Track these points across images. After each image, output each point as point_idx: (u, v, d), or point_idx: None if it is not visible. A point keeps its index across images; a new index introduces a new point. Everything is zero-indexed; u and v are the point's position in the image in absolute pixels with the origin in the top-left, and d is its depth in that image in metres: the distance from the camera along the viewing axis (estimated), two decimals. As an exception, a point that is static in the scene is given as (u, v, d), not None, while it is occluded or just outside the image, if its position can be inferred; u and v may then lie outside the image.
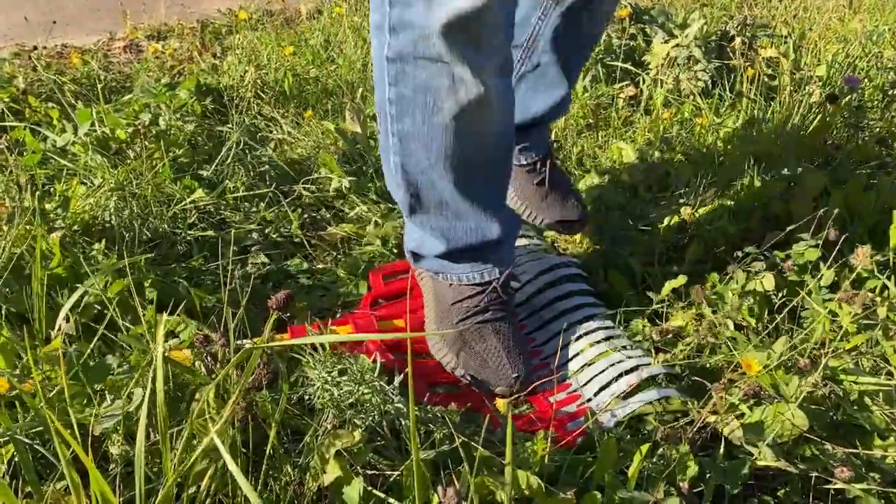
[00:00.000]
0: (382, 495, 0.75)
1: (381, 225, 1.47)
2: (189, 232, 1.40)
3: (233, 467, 0.56)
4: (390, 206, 1.55)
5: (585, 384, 1.08)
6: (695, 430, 0.93)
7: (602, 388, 1.05)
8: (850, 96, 1.45)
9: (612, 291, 1.30)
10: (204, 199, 1.45)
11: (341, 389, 0.77)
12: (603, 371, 1.08)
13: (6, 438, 0.73)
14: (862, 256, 0.92)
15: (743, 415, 0.95)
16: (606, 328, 1.17)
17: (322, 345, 0.88)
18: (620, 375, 1.05)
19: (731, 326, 1.12)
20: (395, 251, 1.43)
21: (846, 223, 1.30)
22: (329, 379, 0.78)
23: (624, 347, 1.11)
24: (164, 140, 1.61)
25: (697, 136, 1.67)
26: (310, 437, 0.80)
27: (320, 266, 1.40)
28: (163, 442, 0.64)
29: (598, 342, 1.13)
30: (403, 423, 0.83)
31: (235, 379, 0.77)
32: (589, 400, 1.05)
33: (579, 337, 1.16)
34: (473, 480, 0.70)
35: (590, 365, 1.10)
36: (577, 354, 1.13)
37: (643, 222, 1.46)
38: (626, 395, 1.02)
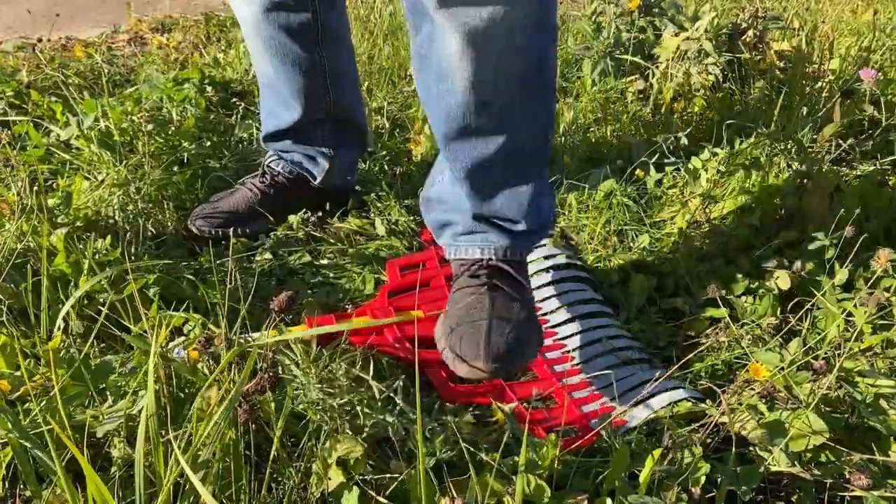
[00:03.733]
0: (386, 502, 0.74)
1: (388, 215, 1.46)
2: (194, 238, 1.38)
3: (201, 490, 0.54)
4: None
5: (608, 385, 1.07)
6: (707, 432, 0.91)
7: (626, 392, 1.05)
8: (865, 91, 1.42)
9: (625, 290, 1.28)
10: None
11: (334, 399, 0.76)
12: (627, 377, 1.08)
13: (4, 441, 0.72)
14: (883, 259, 0.89)
15: (761, 416, 0.93)
16: (627, 337, 1.18)
17: (307, 351, 0.85)
18: (645, 383, 1.04)
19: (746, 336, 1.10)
20: (403, 245, 1.42)
21: (861, 221, 1.28)
22: (316, 388, 0.76)
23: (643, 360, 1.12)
24: (167, 135, 1.59)
25: (708, 132, 1.65)
26: (310, 441, 0.79)
27: (325, 262, 1.38)
28: (154, 448, 0.63)
29: (621, 349, 1.13)
30: (409, 429, 0.82)
31: (236, 381, 0.75)
32: (612, 399, 1.04)
33: (598, 339, 1.16)
34: (480, 488, 0.68)
35: (613, 368, 1.10)
36: (598, 356, 1.13)
37: (654, 219, 1.44)
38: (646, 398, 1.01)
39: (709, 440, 0.92)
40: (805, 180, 1.32)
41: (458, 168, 0.99)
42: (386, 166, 1.68)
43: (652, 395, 1.01)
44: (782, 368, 0.95)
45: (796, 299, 1.17)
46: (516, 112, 0.94)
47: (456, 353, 0.96)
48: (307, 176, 1.46)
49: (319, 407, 0.78)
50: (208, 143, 1.70)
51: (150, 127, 1.56)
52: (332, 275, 1.34)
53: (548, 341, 1.18)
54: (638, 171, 1.56)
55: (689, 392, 1.01)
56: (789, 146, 1.39)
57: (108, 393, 0.83)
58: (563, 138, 1.73)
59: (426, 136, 1.77)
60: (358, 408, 0.76)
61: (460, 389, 1.05)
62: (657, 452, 0.79)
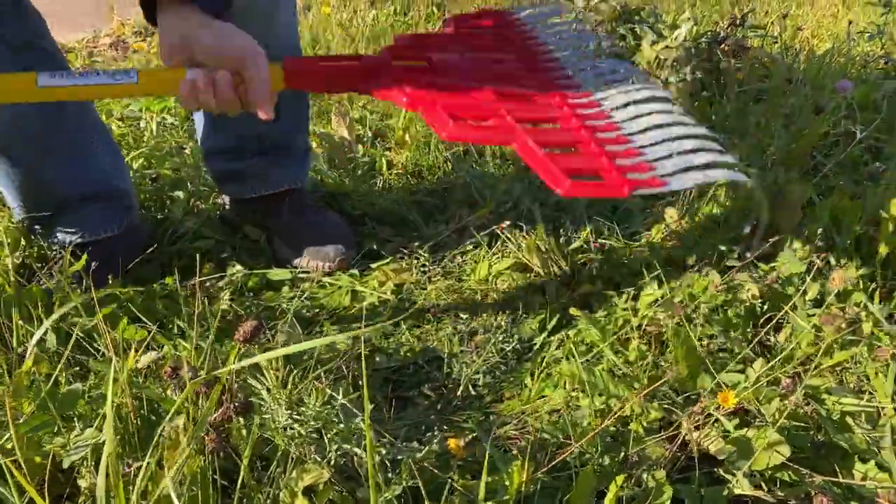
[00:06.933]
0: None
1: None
2: (168, 248, 1.38)
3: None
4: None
5: (651, 145, 0.91)
6: (674, 450, 0.92)
7: (669, 156, 0.88)
8: (839, 103, 1.44)
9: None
10: (183, 209, 1.44)
11: (302, 426, 0.76)
12: (674, 140, 0.90)
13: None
14: (839, 280, 0.90)
15: (727, 433, 0.94)
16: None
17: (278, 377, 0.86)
18: (695, 151, 0.87)
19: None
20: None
21: (833, 234, 1.29)
22: (285, 414, 0.77)
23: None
24: (146, 149, 1.59)
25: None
26: (278, 467, 0.79)
27: (305, 275, 1.38)
28: (115, 484, 0.63)
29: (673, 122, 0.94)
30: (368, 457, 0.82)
31: (203, 410, 0.75)
32: (653, 160, 0.88)
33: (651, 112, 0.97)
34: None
35: (658, 128, 0.93)
36: (641, 116, 0.96)
37: (630, 229, 1.45)
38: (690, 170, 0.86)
39: (675, 456, 0.93)
40: (779, 193, 1.33)
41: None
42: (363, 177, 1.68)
43: (706, 167, 0.85)
44: (746, 388, 0.96)
45: (768, 314, 1.18)
46: None
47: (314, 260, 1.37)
48: None
49: (287, 434, 0.78)
50: (187, 150, 1.70)
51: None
52: (309, 287, 1.34)
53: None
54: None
55: (733, 175, 0.86)
56: (763, 158, 1.40)
57: (76, 421, 0.83)
58: (542, 147, 1.73)
59: (407, 146, 1.77)
60: (326, 437, 0.77)
61: (461, 126, 0.90)
62: (620, 479, 0.80)
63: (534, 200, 1.59)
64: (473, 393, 1.12)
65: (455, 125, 0.88)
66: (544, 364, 1.15)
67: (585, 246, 1.40)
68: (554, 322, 1.23)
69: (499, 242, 1.41)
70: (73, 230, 1.28)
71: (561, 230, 1.46)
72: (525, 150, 0.86)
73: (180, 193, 1.47)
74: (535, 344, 1.21)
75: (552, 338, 1.21)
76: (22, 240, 1.28)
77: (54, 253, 1.26)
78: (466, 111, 0.92)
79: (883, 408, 0.96)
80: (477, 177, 1.68)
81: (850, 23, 1.90)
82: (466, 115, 0.92)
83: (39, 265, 1.25)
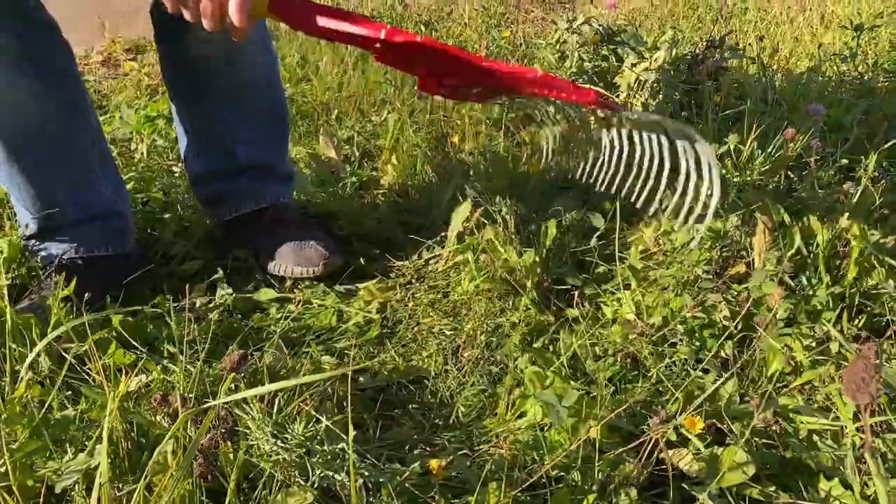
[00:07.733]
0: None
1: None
2: (159, 270, 1.41)
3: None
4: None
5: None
6: (640, 465, 0.95)
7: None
8: (809, 126, 1.48)
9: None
10: (173, 231, 1.47)
11: (288, 452, 0.79)
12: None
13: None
14: (777, 297, 0.94)
15: (697, 451, 0.98)
16: None
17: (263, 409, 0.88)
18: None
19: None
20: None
21: (805, 255, 1.33)
22: (271, 444, 0.80)
23: None
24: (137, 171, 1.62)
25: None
26: (264, 490, 0.82)
27: (291, 295, 1.41)
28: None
29: None
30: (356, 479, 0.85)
31: (192, 435, 0.78)
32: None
33: None
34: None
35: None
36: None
37: (609, 249, 1.48)
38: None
39: (644, 470, 0.96)
40: (751, 214, 1.37)
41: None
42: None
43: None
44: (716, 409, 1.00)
45: (741, 334, 1.22)
46: None
47: (299, 265, 1.40)
48: None
49: (272, 459, 0.81)
50: (177, 171, 1.73)
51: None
52: (296, 309, 1.37)
53: None
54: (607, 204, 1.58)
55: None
56: (738, 180, 1.44)
57: (68, 445, 0.86)
58: (526, 167, 1.77)
59: (393, 166, 1.80)
60: (308, 463, 0.80)
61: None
62: (591, 498, 0.83)
63: (516, 216, 1.62)
64: (456, 412, 1.15)
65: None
66: (526, 380, 1.18)
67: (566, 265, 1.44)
68: (539, 342, 1.26)
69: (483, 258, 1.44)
70: (70, 245, 1.31)
71: (543, 248, 1.50)
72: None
73: (170, 216, 1.50)
74: (518, 359, 1.23)
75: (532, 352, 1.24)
76: (17, 256, 1.31)
77: (47, 269, 1.29)
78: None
79: (845, 427, 1.00)
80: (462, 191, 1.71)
81: (819, 45, 1.95)
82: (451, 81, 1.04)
83: (32, 282, 1.28)
